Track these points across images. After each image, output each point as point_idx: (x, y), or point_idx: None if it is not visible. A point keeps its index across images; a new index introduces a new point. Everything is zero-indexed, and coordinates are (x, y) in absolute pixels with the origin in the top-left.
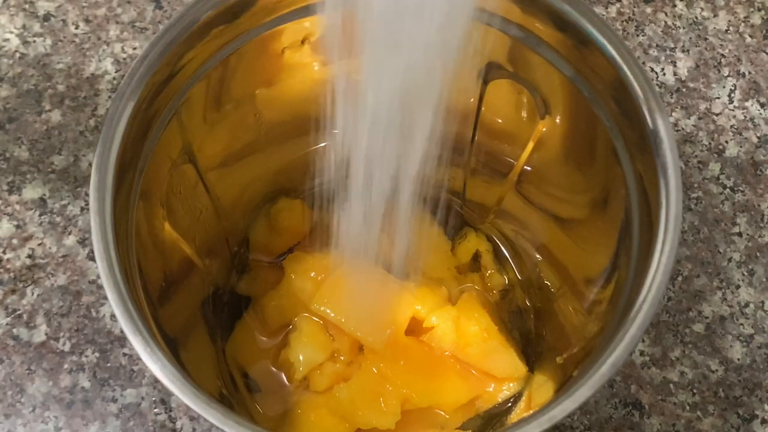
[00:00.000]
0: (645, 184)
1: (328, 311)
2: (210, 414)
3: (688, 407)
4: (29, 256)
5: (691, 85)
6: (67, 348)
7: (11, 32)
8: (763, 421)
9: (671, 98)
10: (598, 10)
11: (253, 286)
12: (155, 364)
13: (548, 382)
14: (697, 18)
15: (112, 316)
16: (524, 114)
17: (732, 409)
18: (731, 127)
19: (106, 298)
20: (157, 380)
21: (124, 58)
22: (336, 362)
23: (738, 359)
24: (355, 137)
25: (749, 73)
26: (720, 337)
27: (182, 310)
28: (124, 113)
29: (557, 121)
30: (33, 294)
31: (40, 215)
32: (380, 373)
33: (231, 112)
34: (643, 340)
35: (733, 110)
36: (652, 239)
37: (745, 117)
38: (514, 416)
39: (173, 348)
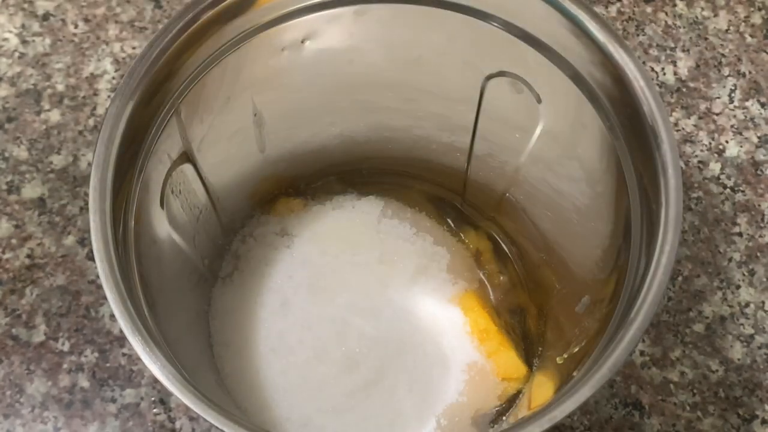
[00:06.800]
0: (645, 184)
1: None
2: (210, 414)
3: (688, 407)
4: (28, 256)
5: (692, 84)
6: (66, 348)
7: (10, 32)
8: (764, 422)
9: (671, 98)
10: (598, 9)
11: None
12: (154, 364)
13: (548, 382)
14: (697, 18)
15: (112, 316)
16: (524, 113)
17: (732, 410)
18: (731, 126)
19: (105, 298)
20: (156, 380)
21: (124, 58)
22: None
23: (738, 359)
24: None
25: (750, 72)
26: (720, 338)
27: (181, 310)
28: (124, 113)
29: (557, 120)
30: (32, 294)
31: (39, 215)
32: None
33: (230, 112)
34: (644, 340)
35: (733, 110)
36: (652, 239)
37: (746, 117)
38: (513, 416)
39: (172, 348)
